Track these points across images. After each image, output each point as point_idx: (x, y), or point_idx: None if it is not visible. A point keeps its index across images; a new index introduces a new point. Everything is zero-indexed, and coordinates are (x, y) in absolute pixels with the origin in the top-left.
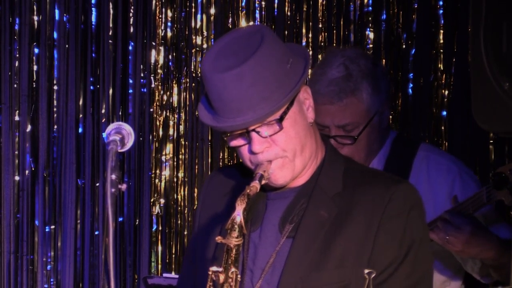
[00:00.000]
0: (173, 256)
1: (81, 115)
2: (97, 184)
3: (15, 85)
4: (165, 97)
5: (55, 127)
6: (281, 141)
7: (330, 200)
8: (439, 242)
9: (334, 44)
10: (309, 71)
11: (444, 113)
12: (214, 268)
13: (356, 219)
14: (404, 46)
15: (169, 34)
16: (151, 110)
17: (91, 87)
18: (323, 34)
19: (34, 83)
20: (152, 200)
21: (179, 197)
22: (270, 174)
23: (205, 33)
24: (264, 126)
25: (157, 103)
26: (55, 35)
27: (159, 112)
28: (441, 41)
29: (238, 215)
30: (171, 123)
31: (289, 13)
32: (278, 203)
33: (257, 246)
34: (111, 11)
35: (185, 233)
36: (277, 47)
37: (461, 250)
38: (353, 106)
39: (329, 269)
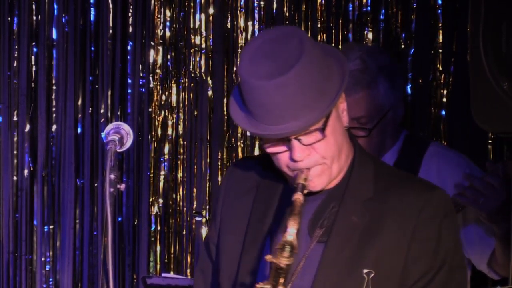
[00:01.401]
0: (172, 256)
1: (80, 115)
2: (96, 184)
3: (14, 85)
4: (163, 97)
5: (54, 127)
6: (321, 148)
7: (362, 206)
8: (473, 204)
9: (333, 44)
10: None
11: (443, 113)
12: (261, 285)
13: (389, 226)
14: (403, 46)
15: (167, 34)
16: (150, 110)
17: (90, 87)
18: (321, 34)
19: (33, 82)
20: (151, 200)
21: (177, 197)
22: (309, 181)
23: (203, 33)
24: (306, 134)
25: (156, 103)
26: (54, 34)
27: (158, 112)
28: (440, 41)
29: (291, 236)
30: (169, 123)
31: (287, 13)
32: (307, 205)
33: None
34: (110, 11)
35: (184, 233)
36: (316, 53)
37: (496, 209)
38: (369, 99)
39: (361, 276)
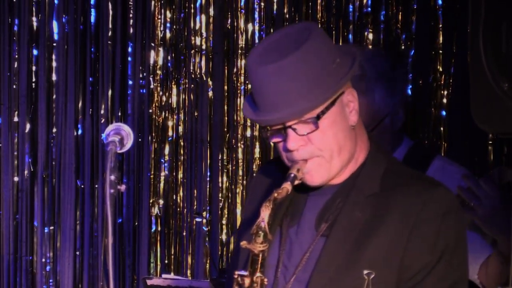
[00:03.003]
0: (172, 257)
1: (80, 116)
2: (96, 185)
3: (14, 86)
4: (164, 98)
5: (54, 128)
6: (317, 140)
7: (365, 200)
8: (464, 207)
9: None
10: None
11: (443, 113)
12: (240, 272)
13: (390, 221)
14: (403, 47)
15: (168, 35)
16: (150, 111)
17: (90, 88)
18: None
19: (33, 83)
20: (151, 201)
21: (178, 198)
22: (305, 174)
23: (204, 34)
24: (302, 124)
25: (156, 104)
26: (54, 36)
27: (158, 113)
28: (440, 42)
29: (263, 221)
30: (170, 124)
31: (287, 14)
32: (317, 200)
33: (293, 242)
34: (110, 12)
35: (184, 234)
36: (323, 45)
37: (488, 217)
38: (363, 106)
39: (359, 271)
